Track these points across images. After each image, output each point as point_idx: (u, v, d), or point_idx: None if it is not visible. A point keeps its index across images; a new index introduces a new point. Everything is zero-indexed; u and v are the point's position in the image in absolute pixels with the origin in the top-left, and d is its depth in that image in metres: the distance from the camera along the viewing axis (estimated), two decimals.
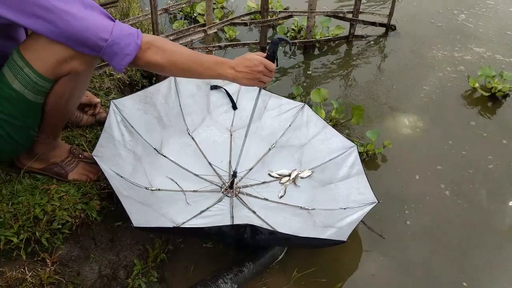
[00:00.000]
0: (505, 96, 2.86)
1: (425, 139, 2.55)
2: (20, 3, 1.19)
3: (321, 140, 2.13)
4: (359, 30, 3.36)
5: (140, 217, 1.49)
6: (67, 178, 1.64)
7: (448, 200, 2.20)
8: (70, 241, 1.57)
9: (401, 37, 3.41)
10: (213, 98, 2.19)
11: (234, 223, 1.73)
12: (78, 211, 1.56)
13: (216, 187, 1.92)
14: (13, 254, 1.41)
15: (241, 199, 1.89)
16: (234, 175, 1.83)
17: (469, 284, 1.85)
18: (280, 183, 2.03)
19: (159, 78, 2.51)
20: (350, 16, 3.19)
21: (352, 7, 3.17)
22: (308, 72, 3.06)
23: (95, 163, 1.58)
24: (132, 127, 1.85)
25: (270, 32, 3.23)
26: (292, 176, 2.03)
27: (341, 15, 3.18)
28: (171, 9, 2.64)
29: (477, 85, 2.86)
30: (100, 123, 1.92)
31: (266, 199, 1.93)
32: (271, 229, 1.73)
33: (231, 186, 1.89)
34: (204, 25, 2.74)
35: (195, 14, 3.39)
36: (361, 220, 1.79)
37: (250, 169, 2.04)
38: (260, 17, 2.90)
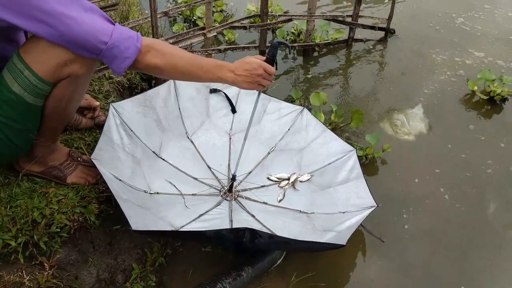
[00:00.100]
0: (504, 100, 2.87)
1: (424, 143, 2.55)
2: (21, 6, 1.19)
3: (320, 143, 2.13)
4: (359, 33, 3.37)
5: (138, 221, 1.48)
6: (66, 181, 1.64)
7: (448, 203, 2.20)
8: (68, 245, 1.56)
9: (401, 41, 3.42)
10: (212, 102, 2.19)
11: (233, 226, 1.73)
12: (76, 214, 1.55)
13: (215, 191, 1.92)
14: (11, 258, 1.41)
15: (240, 202, 1.89)
16: (233, 178, 1.83)
17: (469, 284, 1.85)
18: (279, 186, 2.02)
19: (158, 81, 2.50)
20: (349, 20, 3.19)
21: (352, 11, 3.18)
22: (307, 75, 3.06)
23: (94, 166, 1.57)
24: (131, 130, 1.85)
25: (269, 36, 3.23)
26: (291, 179, 2.03)
27: (340, 19, 3.19)
28: (171, 12, 2.64)
29: (476, 88, 2.87)
30: (99, 126, 1.92)
31: (265, 203, 1.92)
32: (270, 233, 1.73)
33: (230, 189, 1.88)
34: (203, 28, 2.75)
35: (194, 18, 3.40)
36: (360, 224, 1.78)
37: (249, 173, 2.04)
38: (259, 20, 2.91)
